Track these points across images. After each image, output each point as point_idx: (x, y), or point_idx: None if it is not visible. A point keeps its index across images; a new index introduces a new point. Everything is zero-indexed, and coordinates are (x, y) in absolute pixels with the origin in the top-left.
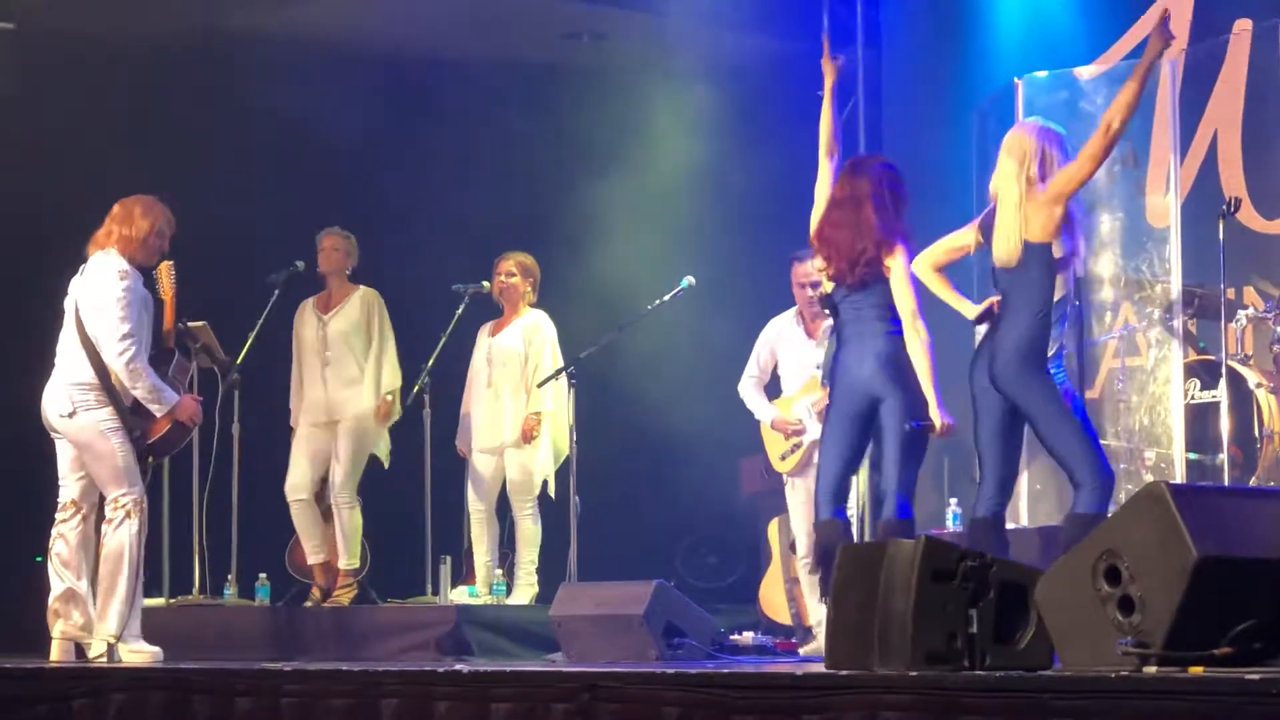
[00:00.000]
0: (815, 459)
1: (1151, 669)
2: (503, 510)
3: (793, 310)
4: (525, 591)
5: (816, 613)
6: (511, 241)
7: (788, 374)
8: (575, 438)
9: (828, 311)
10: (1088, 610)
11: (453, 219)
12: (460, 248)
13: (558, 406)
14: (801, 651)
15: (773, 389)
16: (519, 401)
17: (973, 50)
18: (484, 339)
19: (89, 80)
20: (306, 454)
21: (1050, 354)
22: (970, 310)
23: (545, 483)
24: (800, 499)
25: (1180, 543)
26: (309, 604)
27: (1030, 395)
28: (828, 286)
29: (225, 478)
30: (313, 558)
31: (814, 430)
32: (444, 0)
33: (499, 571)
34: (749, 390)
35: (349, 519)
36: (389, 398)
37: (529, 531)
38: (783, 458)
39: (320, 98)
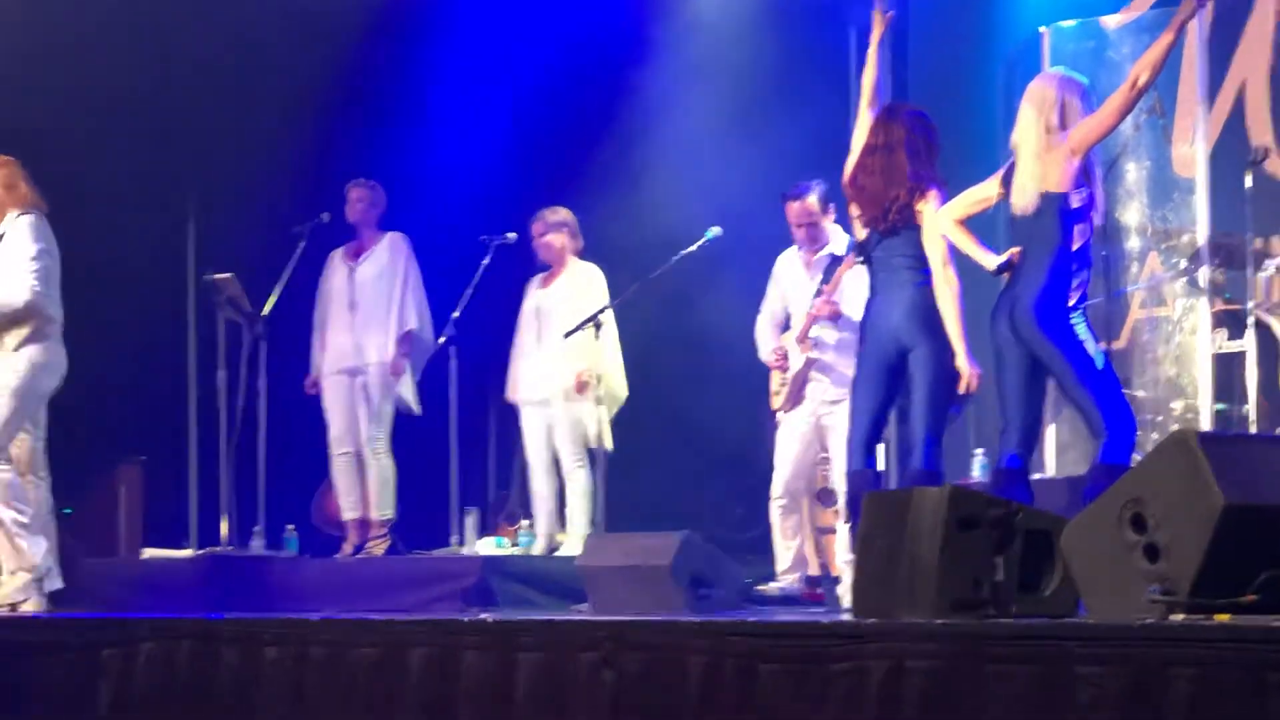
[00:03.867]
0: (806, 394)
1: (1178, 616)
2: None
3: (795, 243)
4: (578, 542)
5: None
6: (540, 193)
7: (793, 309)
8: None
9: (861, 260)
10: (1114, 558)
11: (478, 170)
12: (487, 198)
13: (607, 357)
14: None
15: None
16: (569, 354)
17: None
18: (534, 291)
19: (114, 34)
20: (339, 404)
21: (1071, 303)
22: (991, 262)
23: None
24: (792, 432)
25: (1207, 489)
26: (339, 556)
27: (1050, 345)
28: (861, 233)
29: (251, 429)
30: (348, 514)
31: (796, 363)
32: None
33: (525, 522)
34: (760, 327)
35: (382, 468)
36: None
37: (580, 481)
38: (775, 393)
39: (346, 47)
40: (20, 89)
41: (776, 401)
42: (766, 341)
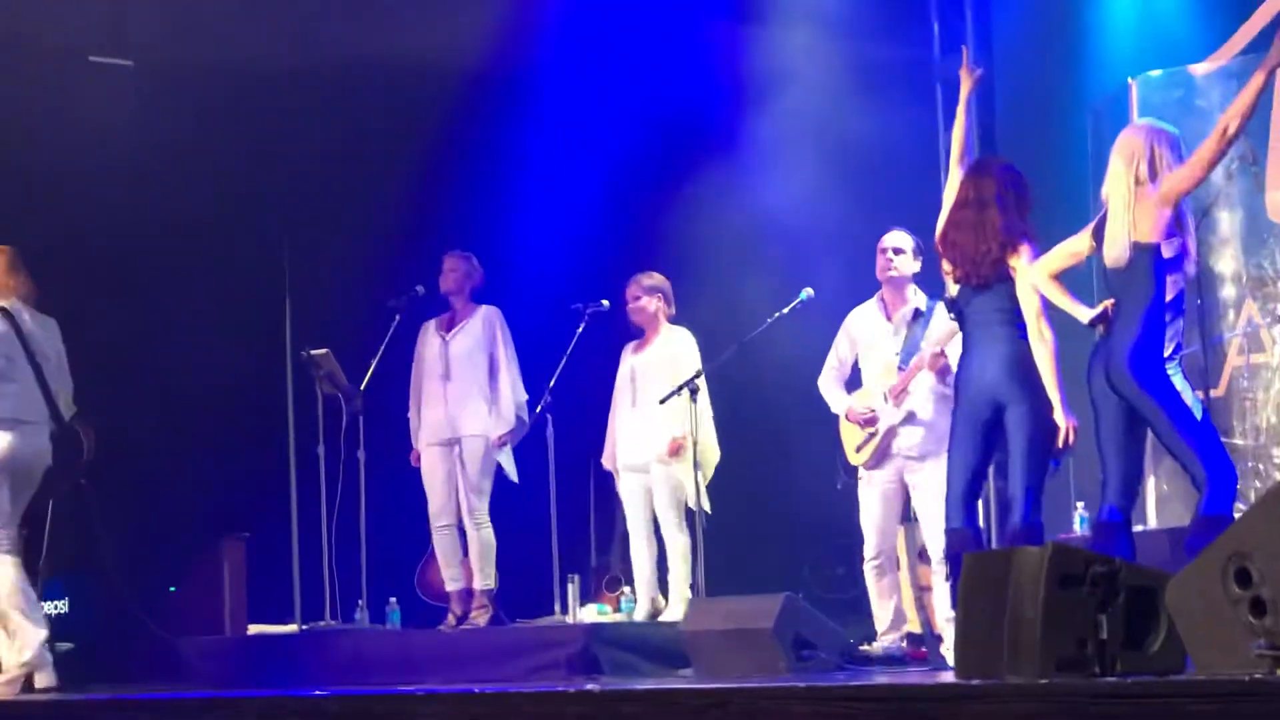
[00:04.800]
0: (893, 450)
1: None
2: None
3: (873, 299)
4: (680, 607)
5: (949, 619)
6: (631, 260)
7: (866, 364)
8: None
9: (954, 316)
10: (1219, 613)
11: (571, 237)
12: (579, 267)
13: (701, 420)
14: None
15: (855, 383)
16: (665, 418)
17: (1085, 51)
18: (628, 357)
19: (205, 111)
20: (438, 477)
21: (1167, 354)
22: (1085, 315)
23: (697, 497)
24: (874, 493)
25: None
26: (443, 627)
27: (1147, 397)
28: (953, 290)
29: (352, 503)
30: (451, 585)
31: (888, 418)
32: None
33: (627, 589)
34: (826, 382)
35: (483, 538)
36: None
37: (680, 545)
38: (858, 449)
39: (438, 120)
40: (117, 165)
41: (858, 458)
42: (838, 395)
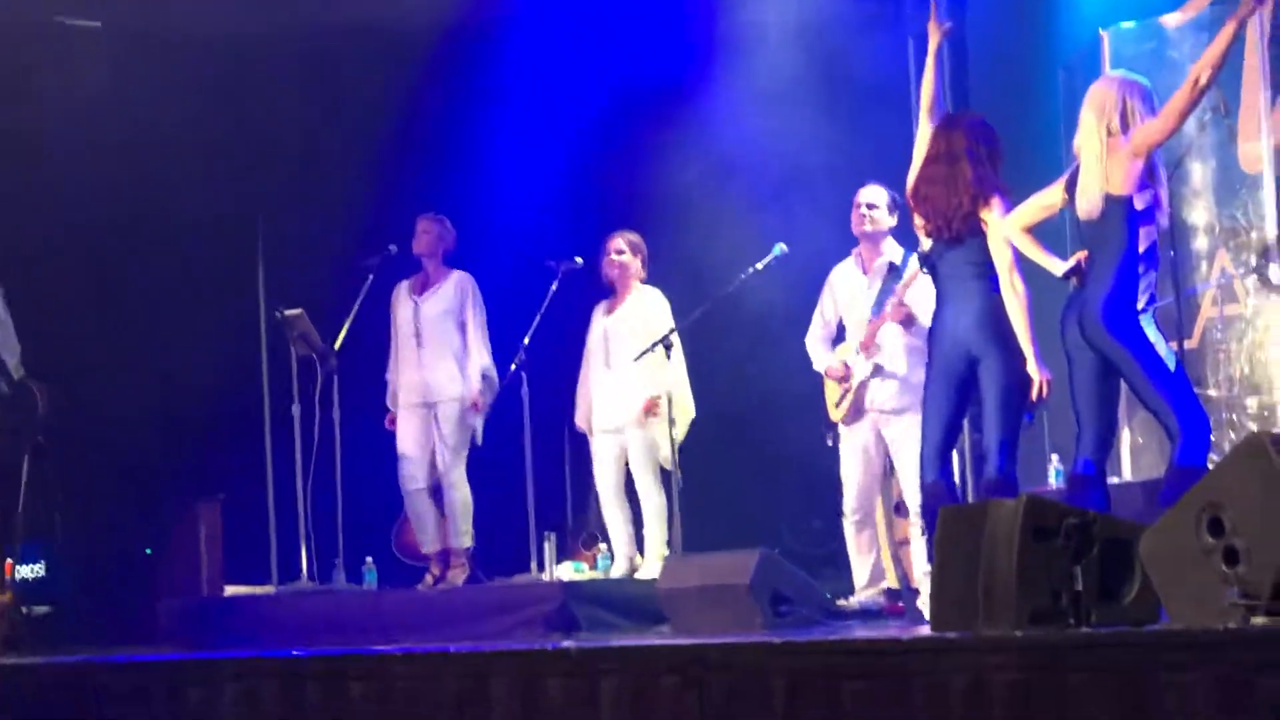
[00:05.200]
0: (868, 404)
1: (1259, 619)
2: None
3: (851, 255)
4: (656, 565)
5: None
6: (604, 218)
7: (847, 320)
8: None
9: (926, 270)
10: (1193, 563)
11: (542, 197)
12: (551, 226)
13: (675, 379)
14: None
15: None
16: (639, 378)
17: (1057, 3)
18: (599, 318)
19: (176, 77)
20: (411, 440)
21: (1140, 305)
22: (1059, 267)
23: (673, 456)
24: (853, 448)
25: None
26: (421, 587)
27: (1121, 348)
28: (926, 244)
29: (328, 464)
30: (427, 545)
31: (860, 372)
32: None
33: (603, 546)
34: (812, 342)
35: (460, 497)
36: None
37: (655, 504)
38: (836, 405)
39: (410, 82)
40: (90, 129)
41: (837, 413)
42: (821, 353)
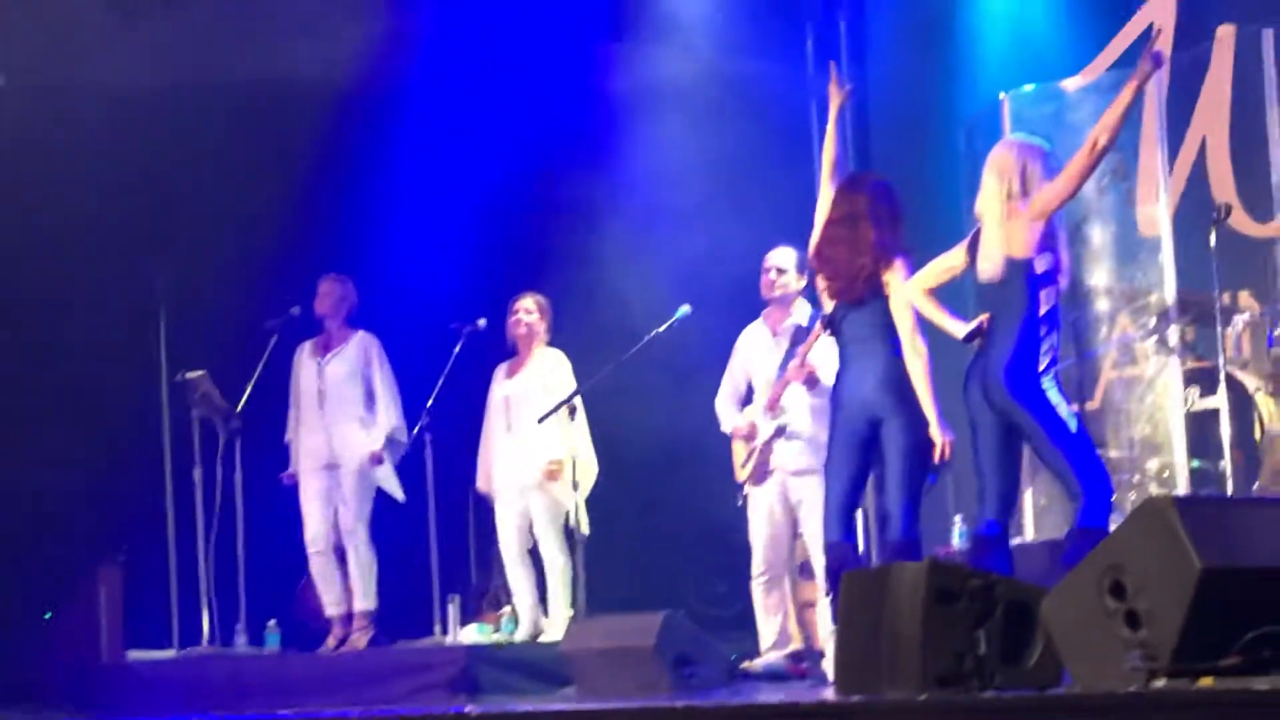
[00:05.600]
0: (773, 465)
1: (1160, 683)
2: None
3: (759, 318)
4: (561, 627)
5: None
6: (507, 280)
7: (755, 381)
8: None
9: (829, 332)
10: (1095, 626)
11: (446, 258)
12: (456, 288)
13: (578, 439)
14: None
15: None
16: (541, 441)
17: (958, 67)
18: (500, 380)
19: (77, 134)
20: (315, 502)
21: (1041, 368)
22: (960, 330)
23: (575, 518)
24: (760, 509)
25: (1184, 555)
26: (324, 650)
27: (1023, 411)
28: (829, 306)
29: (230, 525)
30: (331, 609)
31: (765, 432)
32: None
33: (508, 608)
34: (721, 403)
35: (363, 560)
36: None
37: (559, 566)
38: (742, 465)
39: (312, 140)
40: None
41: (743, 474)
42: (730, 414)
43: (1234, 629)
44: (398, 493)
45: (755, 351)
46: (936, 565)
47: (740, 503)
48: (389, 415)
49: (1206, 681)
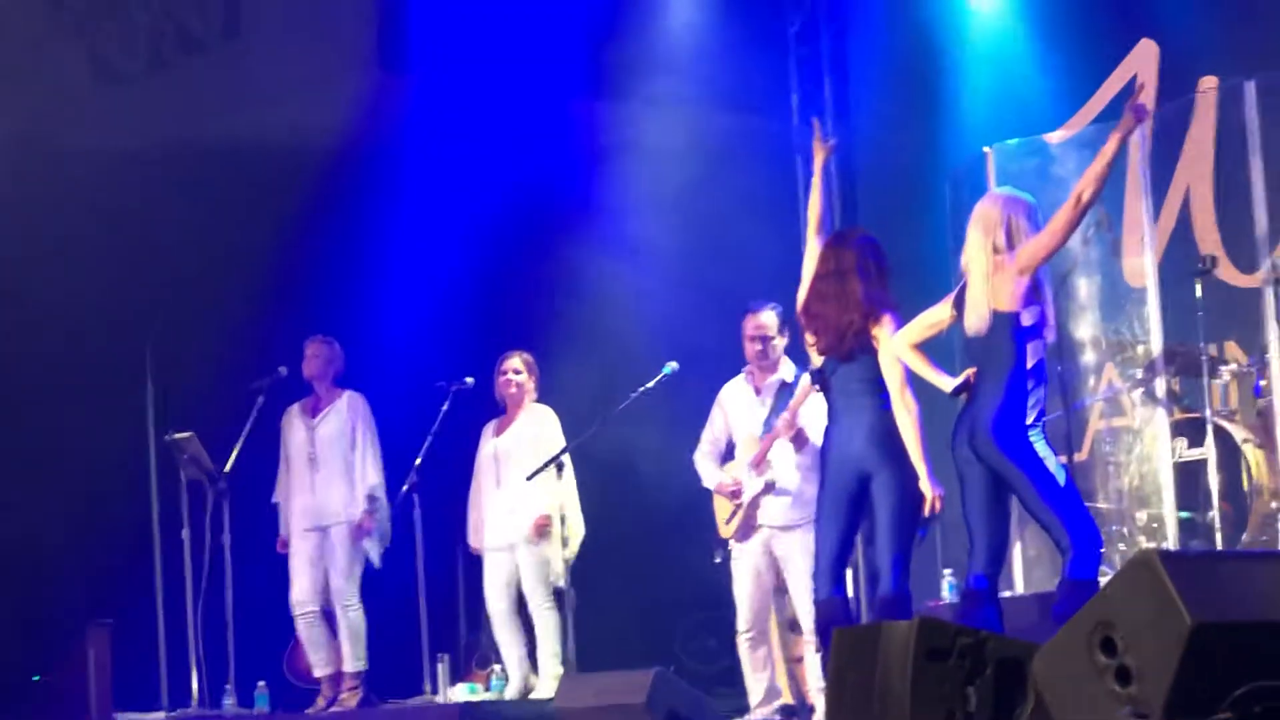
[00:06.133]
0: (759, 521)
1: None
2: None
3: (742, 373)
4: (551, 684)
5: (821, 689)
6: (494, 337)
7: (737, 437)
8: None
9: (818, 387)
10: (1086, 682)
11: (432, 317)
12: (443, 347)
13: (566, 497)
14: None
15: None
16: (530, 497)
17: (943, 120)
18: (489, 437)
19: (66, 195)
20: (304, 563)
21: (1029, 421)
22: (948, 384)
23: (565, 574)
24: (745, 565)
25: (1174, 610)
26: (313, 711)
27: (1010, 464)
28: (817, 361)
29: (218, 587)
30: (320, 670)
31: (751, 489)
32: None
33: (497, 666)
34: (701, 459)
35: (353, 621)
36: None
37: (549, 623)
38: (726, 522)
39: (299, 203)
40: None
41: (727, 530)
42: (710, 470)
43: (1225, 684)
44: (375, 558)
45: (738, 408)
46: (927, 623)
47: (719, 559)
48: (369, 472)
49: None
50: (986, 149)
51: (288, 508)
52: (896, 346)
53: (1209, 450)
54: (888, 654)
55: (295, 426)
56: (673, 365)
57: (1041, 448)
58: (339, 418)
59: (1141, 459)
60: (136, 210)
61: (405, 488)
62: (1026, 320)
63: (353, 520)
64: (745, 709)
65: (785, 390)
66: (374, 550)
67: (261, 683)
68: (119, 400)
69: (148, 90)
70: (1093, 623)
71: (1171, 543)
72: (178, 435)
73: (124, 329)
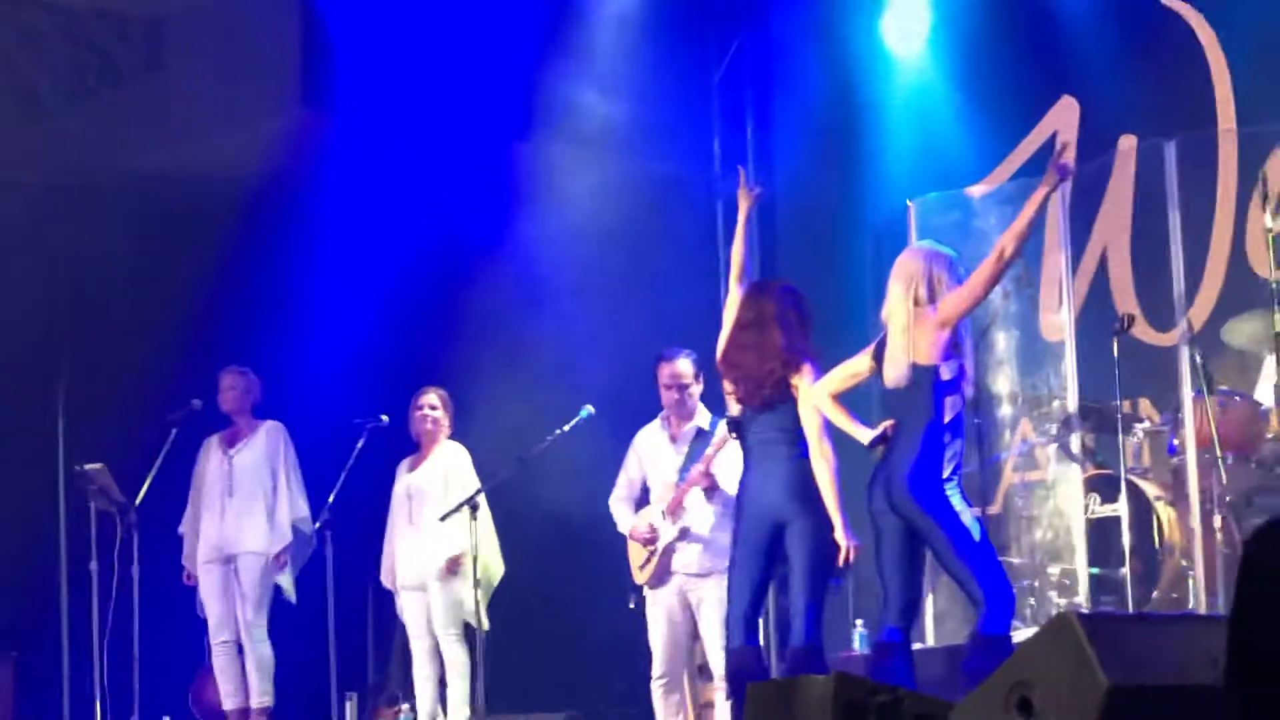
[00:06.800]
0: (673, 567)
1: None
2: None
3: (658, 419)
4: None
5: None
6: (410, 377)
7: (652, 482)
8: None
9: (735, 435)
10: None
11: (347, 354)
12: (358, 383)
13: (481, 536)
14: None
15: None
16: (443, 535)
17: (865, 172)
18: (403, 475)
19: None
20: (214, 595)
21: (946, 474)
22: (865, 435)
23: (478, 613)
24: (659, 611)
25: (1090, 672)
26: None
27: (926, 517)
28: (735, 409)
29: (125, 620)
30: (229, 701)
31: (666, 535)
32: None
33: (405, 706)
34: (616, 502)
35: (260, 655)
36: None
37: (459, 661)
38: (640, 568)
39: (214, 234)
40: None
41: (641, 576)
42: (625, 515)
43: None
44: (290, 594)
45: (653, 454)
46: (843, 679)
47: (633, 604)
48: (294, 504)
49: None
50: (909, 202)
51: (193, 539)
52: (815, 396)
53: (1122, 507)
54: (804, 709)
55: (213, 456)
56: (589, 409)
57: (957, 501)
58: (258, 448)
59: (1054, 514)
60: (50, 240)
61: (318, 524)
62: (945, 374)
63: (263, 553)
64: None
65: (701, 437)
66: (288, 585)
67: (167, 718)
68: (29, 430)
69: (68, 121)
70: (1010, 682)
71: (1083, 598)
72: (88, 466)
73: (36, 358)
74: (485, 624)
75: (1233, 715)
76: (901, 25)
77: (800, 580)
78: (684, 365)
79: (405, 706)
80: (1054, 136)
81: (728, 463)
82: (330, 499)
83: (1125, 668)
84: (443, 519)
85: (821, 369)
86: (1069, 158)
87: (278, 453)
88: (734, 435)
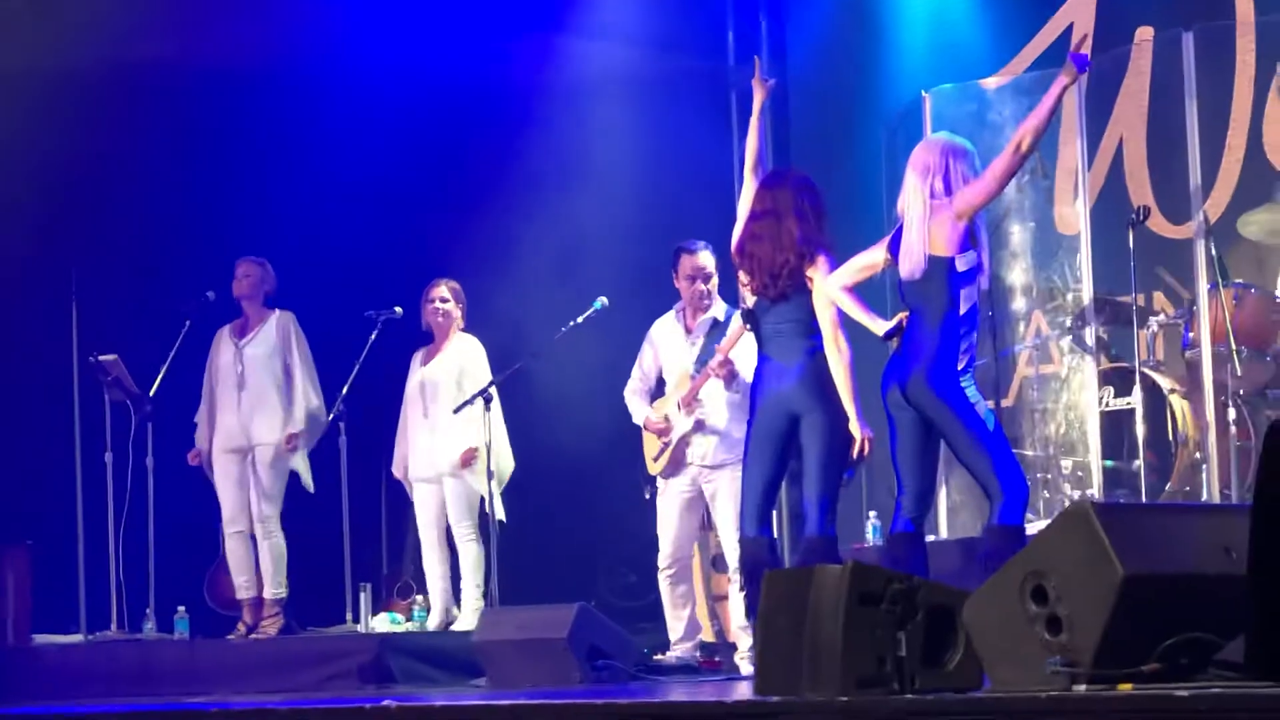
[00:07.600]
0: (688, 458)
1: (1080, 687)
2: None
3: (672, 310)
4: (473, 617)
5: (744, 627)
6: (424, 266)
7: (667, 374)
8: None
9: (749, 327)
10: (1016, 630)
11: (362, 244)
12: (372, 273)
13: (494, 429)
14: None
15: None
16: (457, 429)
17: (880, 64)
18: (416, 367)
19: None
20: (229, 484)
21: (960, 366)
22: (880, 327)
23: (490, 506)
24: (671, 502)
25: (1106, 561)
26: (232, 636)
27: (941, 408)
28: (750, 300)
29: (140, 511)
30: (242, 593)
31: (681, 427)
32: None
33: (419, 597)
34: (630, 395)
35: (274, 546)
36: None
37: (472, 555)
38: (655, 459)
39: (228, 124)
40: None
41: (655, 467)
42: (639, 406)
43: (1155, 635)
44: (309, 483)
45: (668, 345)
46: (859, 568)
47: (649, 495)
48: (308, 395)
49: (1126, 687)
50: (924, 93)
51: (207, 427)
52: (830, 288)
53: (1136, 399)
54: (819, 598)
55: (224, 347)
56: (603, 300)
57: (972, 393)
58: (268, 339)
59: (1068, 407)
60: (61, 132)
61: (330, 416)
62: (961, 266)
63: (276, 444)
64: (666, 645)
65: (717, 328)
66: (305, 471)
67: (181, 608)
68: (43, 322)
69: (68, 8)
70: (1024, 571)
71: (1096, 490)
72: (102, 357)
73: (49, 250)
74: (501, 515)
75: (1255, 602)
76: None
77: (814, 472)
78: (705, 258)
79: (419, 598)
80: (1070, 28)
81: (744, 354)
82: (344, 391)
83: (1140, 557)
84: (456, 411)
85: (836, 261)
86: (1087, 49)
87: (289, 343)
88: (748, 327)
